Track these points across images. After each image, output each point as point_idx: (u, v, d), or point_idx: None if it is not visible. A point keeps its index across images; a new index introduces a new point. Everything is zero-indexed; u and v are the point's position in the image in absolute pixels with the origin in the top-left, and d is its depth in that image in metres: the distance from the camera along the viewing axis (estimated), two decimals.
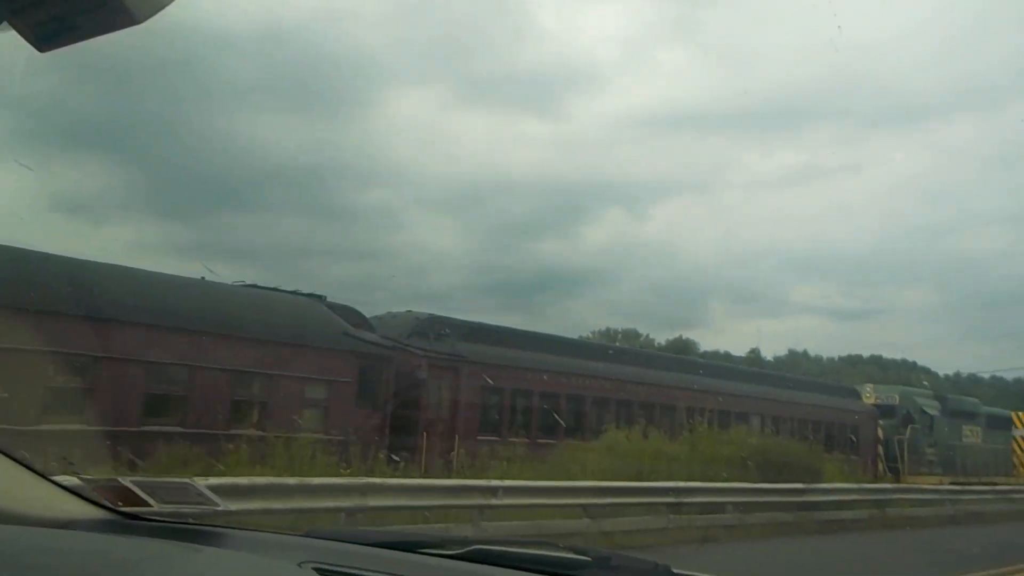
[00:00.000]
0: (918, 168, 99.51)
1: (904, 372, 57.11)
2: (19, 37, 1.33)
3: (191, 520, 2.24)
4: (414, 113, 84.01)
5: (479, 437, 17.09)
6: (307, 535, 2.08)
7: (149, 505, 2.07)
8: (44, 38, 1.37)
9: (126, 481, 2.12)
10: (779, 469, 16.43)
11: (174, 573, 1.58)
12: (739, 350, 58.79)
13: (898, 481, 23.99)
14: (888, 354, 66.69)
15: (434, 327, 18.10)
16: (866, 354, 67.42)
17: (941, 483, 24.64)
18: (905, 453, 26.52)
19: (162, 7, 1.34)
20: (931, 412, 28.48)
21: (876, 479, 24.09)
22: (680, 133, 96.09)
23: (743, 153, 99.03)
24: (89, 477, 2.19)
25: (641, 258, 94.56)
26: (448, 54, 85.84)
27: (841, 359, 64.82)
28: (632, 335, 53.70)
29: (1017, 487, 25.78)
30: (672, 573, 1.73)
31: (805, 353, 65.68)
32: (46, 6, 1.32)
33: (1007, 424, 33.26)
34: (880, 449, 27.36)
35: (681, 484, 13.20)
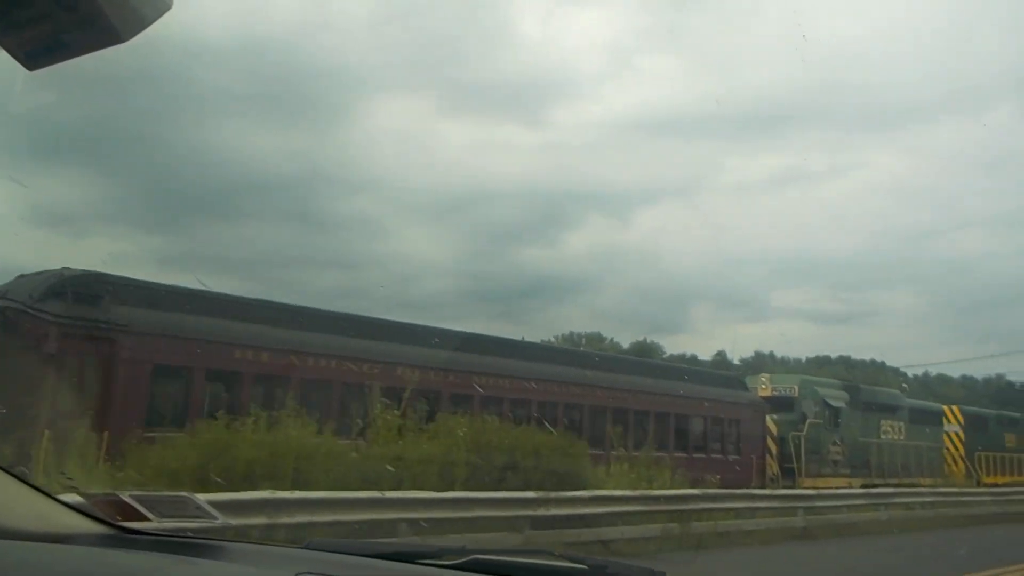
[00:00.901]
0: (902, 171, 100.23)
1: (872, 372, 56.98)
2: (7, 55, 1.36)
3: (190, 534, 2.24)
4: (398, 122, 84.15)
5: (149, 432, 12.21)
6: (306, 547, 2.09)
7: (148, 519, 2.07)
8: (33, 56, 1.41)
9: (124, 495, 2.12)
10: (509, 472, 12.74)
11: None
12: (712, 354, 58.66)
13: (793, 485, 21.36)
14: (858, 355, 66.56)
15: (84, 286, 13.10)
16: (835, 355, 67.37)
17: (849, 485, 22.94)
18: (802, 452, 22.99)
19: (146, 25, 1.37)
20: (836, 404, 25.14)
21: (766, 483, 21.44)
22: (664, 139, 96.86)
23: (727, 158, 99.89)
24: (87, 492, 2.19)
25: (626, 264, 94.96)
26: (432, 63, 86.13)
27: (808, 360, 64.39)
28: (596, 339, 53.57)
29: (935, 489, 22.63)
30: None
31: (771, 355, 65.36)
32: (35, 26, 1.35)
33: (937, 419, 30.62)
34: (773, 448, 23.43)
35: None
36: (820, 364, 61.99)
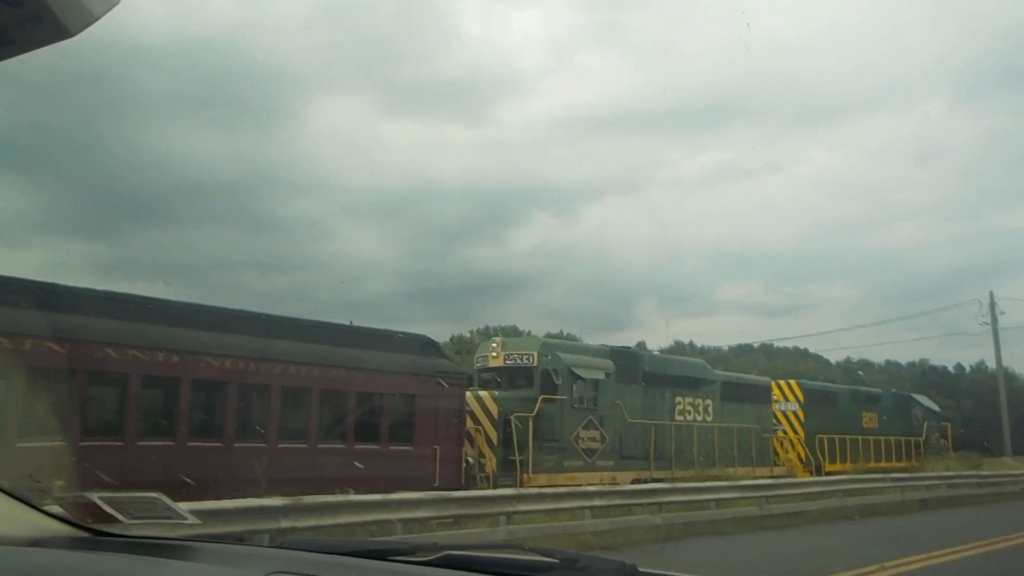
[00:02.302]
0: (837, 166, 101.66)
1: (792, 360, 56.20)
2: None
3: (160, 535, 2.24)
4: (339, 123, 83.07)
5: None
6: (279, 546, 2.10)
7: (118, 521, 2.06)
8: None
9: (94, 497, 2.10)
10: None
11: None
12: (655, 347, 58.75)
13: (515, 483, 16.35)
14: (781, 344, 66.76)
15: None
16: (756, 343, 67.79)
17: (613, 481, 17.88)
18: (529, 439, 17.35)
19: (94, 20, 1.35)
20: (591, 376, 19.27)
21: (464, 482, 15.99)
22: (606, 135, 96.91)
23: (668, 153, 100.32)
24: (57, 494, 2.18)
25: (571, 260, 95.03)
26: (372, 63, 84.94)
27: (730, 348, 64.35)
28: (513, 333, 53.52)
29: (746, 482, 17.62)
30: (639, 572, 1.77)
31: (691, 344, 65.68)
32: None
33: (764, 395, 25.69)
34: (493, 434, 17.62)
35: None
36: (739, 353, 62.11)
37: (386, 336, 16.81)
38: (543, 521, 12.61)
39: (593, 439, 19.14)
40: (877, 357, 73.57)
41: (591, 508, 13.28)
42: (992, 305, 42.18)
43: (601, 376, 19.63)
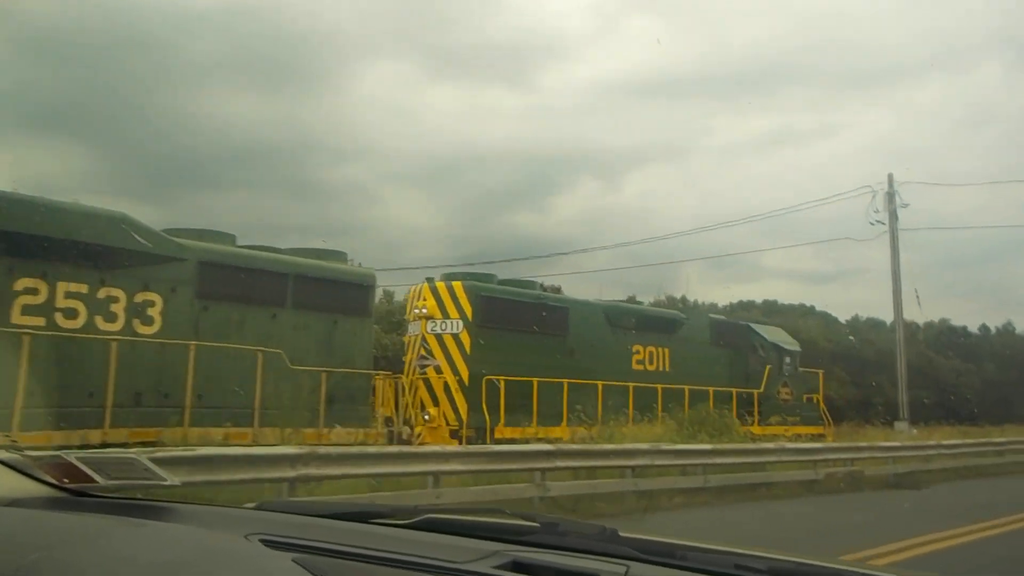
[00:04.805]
0: (889, 130, 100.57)
1: (794, 318, 55.70)
2: None
3: (138, 495, 2.23)
4: (385, 87, 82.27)
5: None
6: (257, 507, 2.10)
7: (95, 481, 2.06)
8: None
9: (71, 457, 2.09)
10: None
11: (120, 548, 1.60)
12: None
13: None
14: (785, 300, 65.62)
15: None
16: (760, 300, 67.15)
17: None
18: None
19: None
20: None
21: None
22: (652, 100, 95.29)
23: (716, 119, 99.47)
24: (33, 453, 2.16)
25: (616, 227, 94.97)
26: (417, 27, 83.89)
27: (731, 305, 64.39)
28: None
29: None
30: (619, 536, 1.78)
31: (683, 299, 65.75)
32: None
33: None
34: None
35: None
36: (739, 308, 61.84)
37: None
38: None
39: None
40: (880, 313, 71.70)
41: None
42: (891, 195, 27.96)
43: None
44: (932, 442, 20.47)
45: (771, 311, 60.39)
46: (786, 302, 63.45)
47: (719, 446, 14.28)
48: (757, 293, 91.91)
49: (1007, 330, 56.95)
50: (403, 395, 15.63)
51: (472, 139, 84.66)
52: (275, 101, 73.21)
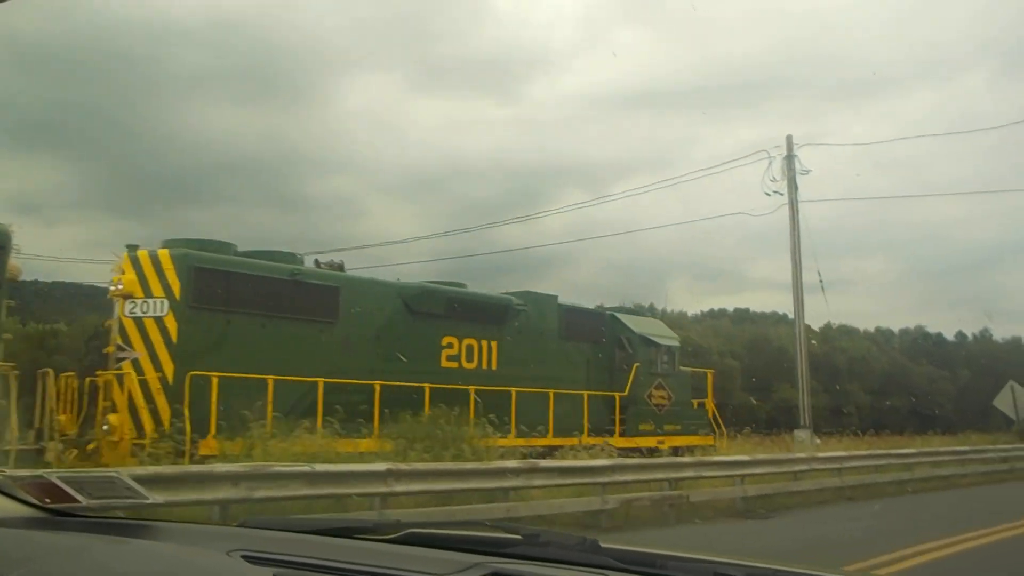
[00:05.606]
0: (874, 140, 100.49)
1: (766, 326, 53.66)
2: None
3: (120, 514, 2.23)
4: (371, 100, 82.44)
5: None
6: (240, 525, 2.10)
7: (77, 501, 2.05)
8: None
9: (52, 476, 2.08)
10: None
11: (102, 567, 1.60)
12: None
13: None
14: (758, 309, 64.90)
15: None
16: (731, 308, 67.05)
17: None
18: None
19: None
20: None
21: None
22: (638, 112, 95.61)
23: (701, 130, 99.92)
24: (14, 474, 2.15)
25: (602, 238, 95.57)
26: (402, 40, 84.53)
27: (702, 313, 62.64)
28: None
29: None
30: (600, 547, 1.80)
31: (659, 308, 65.62)
32: None
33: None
34: None
35: None
36: (710, 317, 61.48)
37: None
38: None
39: None
40: (861, 321, 71.22)
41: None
42: (791, 158, 23.57)
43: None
44: (801, 455, 16.91)
45: (742, 319, 60.52)
46: (758, 310, 63.87)
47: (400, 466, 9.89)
48: (745, 304, 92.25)
49: (984, 337, 57.57)
50: (101, 398, 12.00)
51: (459, 151, 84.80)
52: (260, 115, 73.14)
